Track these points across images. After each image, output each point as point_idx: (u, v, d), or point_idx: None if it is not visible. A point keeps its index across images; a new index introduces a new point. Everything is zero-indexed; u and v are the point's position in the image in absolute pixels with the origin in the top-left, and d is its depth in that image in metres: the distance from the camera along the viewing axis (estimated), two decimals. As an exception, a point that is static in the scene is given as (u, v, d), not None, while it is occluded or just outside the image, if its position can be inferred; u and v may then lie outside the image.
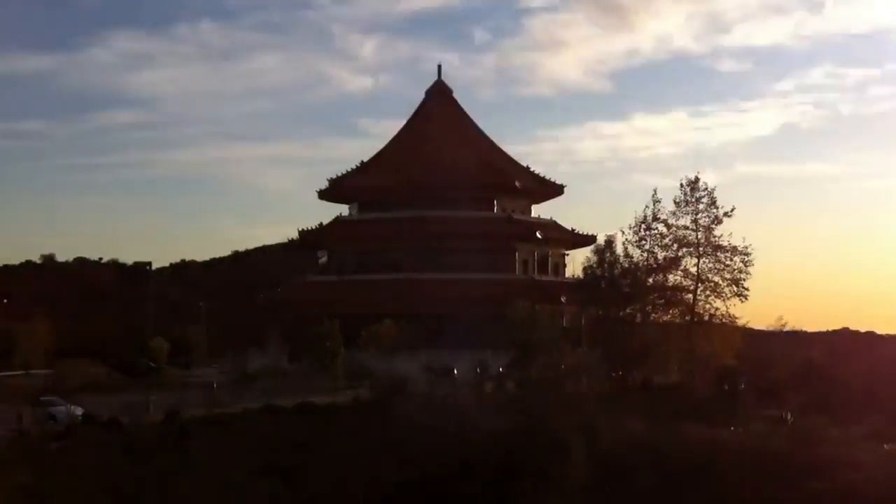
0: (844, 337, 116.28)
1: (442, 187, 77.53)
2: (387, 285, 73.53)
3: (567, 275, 79.20)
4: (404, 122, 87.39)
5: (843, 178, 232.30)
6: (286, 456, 38.11)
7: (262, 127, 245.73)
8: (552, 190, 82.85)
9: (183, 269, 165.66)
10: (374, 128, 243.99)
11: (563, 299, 69.32)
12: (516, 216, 79.12)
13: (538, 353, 51.43)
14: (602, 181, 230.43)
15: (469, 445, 33.49)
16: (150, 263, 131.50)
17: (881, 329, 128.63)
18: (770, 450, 46.36)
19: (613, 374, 58.69)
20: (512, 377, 53.75)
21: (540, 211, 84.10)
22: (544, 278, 76.50)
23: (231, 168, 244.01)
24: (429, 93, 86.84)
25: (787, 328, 74.72)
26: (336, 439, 35.65)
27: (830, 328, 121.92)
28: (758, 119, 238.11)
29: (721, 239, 66.38)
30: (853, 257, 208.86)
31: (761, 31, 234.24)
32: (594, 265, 62.86)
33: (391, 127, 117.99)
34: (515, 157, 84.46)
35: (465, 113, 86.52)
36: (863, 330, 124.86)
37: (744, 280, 65.94)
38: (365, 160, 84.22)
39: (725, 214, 66.64)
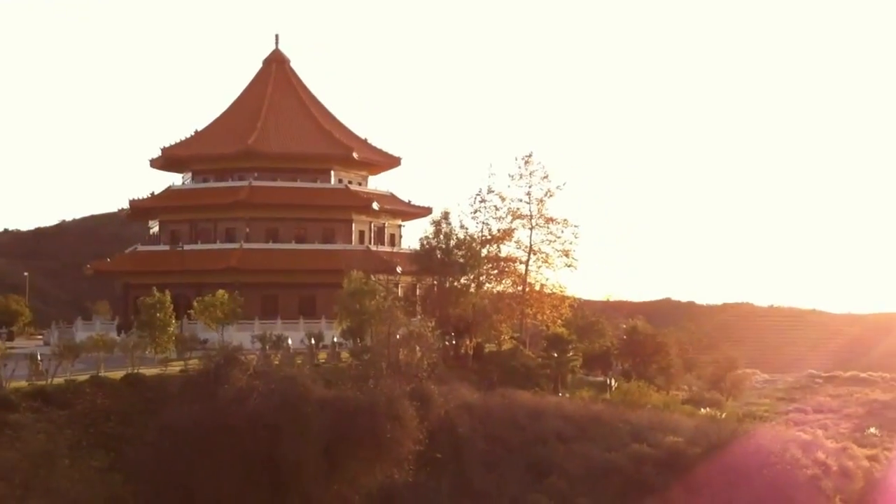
0: (666, 307, 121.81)
1: (278, 157, 76.57)
2: (220, 256, 72.16)
3: (403, 246, 79.71)
4: (240, 91, 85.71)
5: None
6: (113, 427, 37.21)
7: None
8: (390, 161, 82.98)
9: (7, 238, 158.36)
10: (210, 97, 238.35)
11: (398, 270, 69.83)
12: (353, 187, 78.95)
13: (373, 323, 51.69)
14: (440, 154, 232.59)
15: (301, 414, 33.45)
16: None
17: (700, 299, 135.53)
18: (594, 414, 48.31)
19: (447, 343, 59.67)
20: (346, 347, 53.90)
21: (377, 183, 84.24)
22: (381, 249, 76.62)
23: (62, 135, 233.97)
24: (266, 62, 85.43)
25: (612, 298, 77.98)
26: (164, 410, 35.01)
27: (653, 298, 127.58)
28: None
29: (552, 212, 68.47)
30: (677, 232, 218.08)
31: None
32: (430, 236, 63.64)
33: (227, 96, 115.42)
34: (353, 129, 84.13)
35: (302, 83, 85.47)
36: (683, 300, 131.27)
37: (573, 251, 68.30)
38: (199, 129, 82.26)
39: (557, 188, 68.76)
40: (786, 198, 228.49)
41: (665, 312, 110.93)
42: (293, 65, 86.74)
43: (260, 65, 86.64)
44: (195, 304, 58.37)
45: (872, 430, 55.64)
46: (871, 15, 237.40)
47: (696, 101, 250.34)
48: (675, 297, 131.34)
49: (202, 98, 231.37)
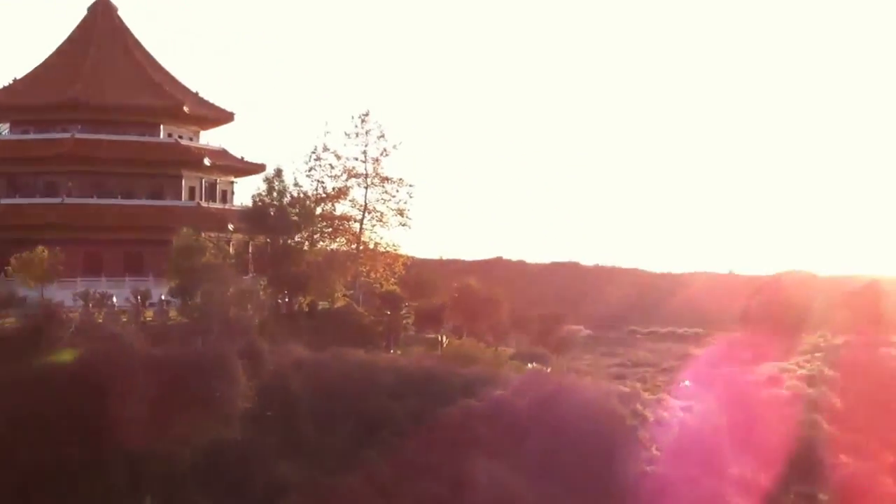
0: (498, 265, 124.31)
1: (103, 109, 73.66)
2: (41, 210, 69.20)
3: (236, 203, 78.39)
4: (64, 38, 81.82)
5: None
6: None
7: None
8: (222, 116, 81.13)
9: None
10: (30, 43, 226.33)
11: (230, 227, 68.74)
12: (184, 142, 76.91)
13: (203, 280, 50.81)
14: (275, 110, 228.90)
15: (126, 372, 32.78)
16: None
17: (530, 258, 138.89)
18: (426, 370, 49.17)
19: (280, 301, 59.36)
20: (175, 305, 52.91)
21: (209, 138, 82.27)
22: (212, 206, 75.08)
23: None
24: (91, 9, 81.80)
25: (445, 256, 79.13)
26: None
27: (485, 257, 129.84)
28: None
29: (388, 171, 68.84)
30: (509, 192, 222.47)
31: None
32: (263, 194, 62.88)
33: (49, 44, 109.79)
34: (184, 82, 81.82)
35: (131, 33, 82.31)
36: (514, 259, 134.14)
37: (408, 210, 68.95)
38: (18, 77, 78.34)
39: (393, 147, 69.13)
40: (606, 159, 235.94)
41: (496, 271, 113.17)
42: (121, 13, 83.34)
43: (85, 11, 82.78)
44: (12, 260, 55.97)
45: (686, 382, 58.57)
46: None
47: (515, 54, 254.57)
48: (506, 256, 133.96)
49: (22, 45, 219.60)
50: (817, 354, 67.39)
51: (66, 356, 34.78)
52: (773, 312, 76.12)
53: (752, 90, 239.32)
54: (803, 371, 61.68)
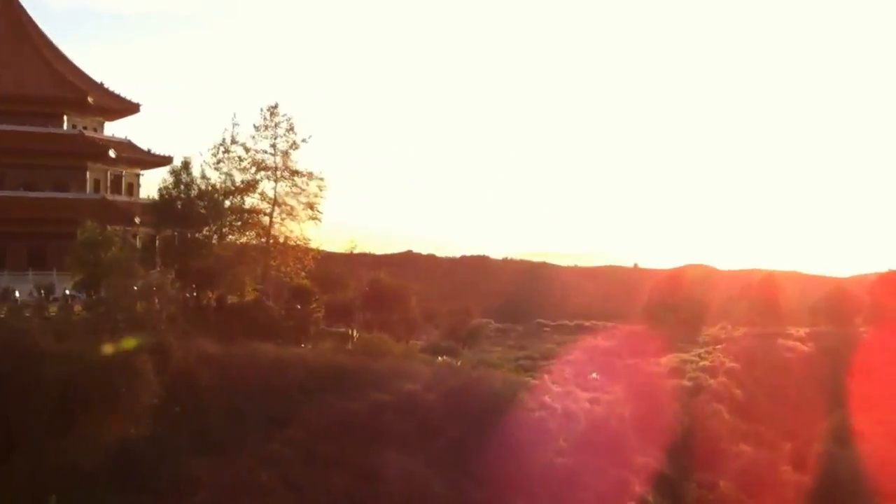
0: (408, 259, 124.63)
1: (4, 99, 71.71)
2: (-62, 203, 67.17)
3: (142, 195, 77.06)
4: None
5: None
6: None
7: None
8: (128, 108, 79.56)
9: None
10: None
11: (136, 220, 67.57)
12: (88, 133, 75.24)
13: (108, 275, 49.89)
14: (182, 102, 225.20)
15: (30, 368, 32.13)
16: None
17: (440, 252, 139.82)
18: (336, 365, 49.17)
19: (188, 295, 58.60)
20: (80, 299, 51.86)
21: (114, 129, 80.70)
22: (118, 198, 73.65)
23: None
24: (-11, -4, 79.37)
25: (356, 250, 79.03)
26: None
27: (396, 251, 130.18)
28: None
29: (298, 164, 68.39)
30: (420, 187, 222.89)
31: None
32: (170, 186, 61.93)
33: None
34: (89, 73, 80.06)
35: (32, 21, 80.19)
36: (424, 253, 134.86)
37: (318, 204, 68.60)
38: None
39: (303, 140, 68.67)
40: (515, 150, 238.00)
41: (407, 264, 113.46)
42: (22, 1, 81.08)
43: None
44: None
45: (594, 374, 59.64)
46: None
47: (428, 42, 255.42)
48: (416, 250, 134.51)
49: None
50: (718, 346, 69.35)
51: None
52: (675, 305, 78.05)
53: (658, 90, 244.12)
54: (705, 362, 63.42)
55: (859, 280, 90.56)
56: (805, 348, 64.21)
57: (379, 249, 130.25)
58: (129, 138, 79.27)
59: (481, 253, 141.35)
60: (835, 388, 52.17)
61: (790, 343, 65.83)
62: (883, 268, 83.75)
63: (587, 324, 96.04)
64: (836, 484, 44.91)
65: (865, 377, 51.95)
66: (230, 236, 66.78)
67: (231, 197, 66.75)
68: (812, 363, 58.28)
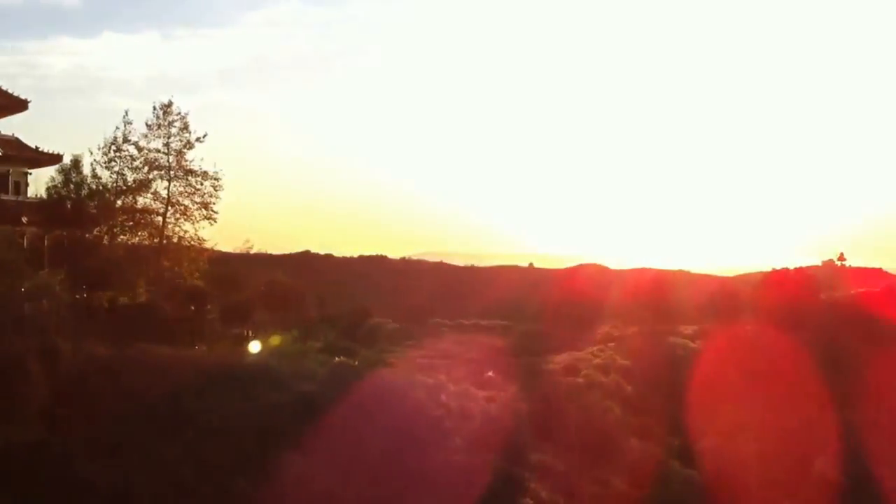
0: (306, 259, 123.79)
1: None
2: None
3: (30, 194, 75.10)
4: None
5: (296, 110, 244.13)
6: None
7: None
8: (14, 105, 77.19)
9: None
10: None
11: (24, 220, 65.85)
12: (-28, 130, 72.98)
13: (-6, 275, 48.62)
14: (70, 99, 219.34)
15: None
16: None
17: (338, 252, 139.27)
18: (231, 366, 48.75)
19: (78, 297, 57.35)
20: (-36, 302, 50.27)
21: (0, 126, 78.36)
22: (4, 197, 71.62)
23: None
24: None
25: (253, 251, 78.42)
26: None
27: (294, 251, 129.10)
28: (228, 47, 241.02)
29: (192, 163, 67.57)
30: (316, 186, 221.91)
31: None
32: (59, 185, 60.58)
33: None
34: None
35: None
36: (322, 253, 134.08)
37: (213, 204, 67.89)
38: None
39: (197, 139, 67.88)
40: (405, 151, 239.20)
41: (304, 264, 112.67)
42: None
43: None
44: None
45: (490, 373, 60.30)
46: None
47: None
48: (314, 250, 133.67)
49: None
50: (610, 344, 70.88)
51: None
52: (570, 304, 79.52)
53: (553, 87, 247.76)
54: (598, 360, 64.77)
55: (745, 279, 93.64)
56: (693, 345, 66.15)
57: (276, 249, 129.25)
58: (15, 135, 77.14)
59: (379, 252, 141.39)
60: (720, 384, 53.87)
61: (679, 340, 67.73)
62: (766, 266, 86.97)
63: (484, 323, 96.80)
64: (722, 477, 46.46)
65: (749, 373, 53.85)
66: (122, 236, 65.75)
67: (123, 196, 65.71)
68: (699, 360, 60.01)
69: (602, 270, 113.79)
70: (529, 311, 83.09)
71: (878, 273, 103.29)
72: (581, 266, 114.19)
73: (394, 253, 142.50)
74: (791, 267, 79.02)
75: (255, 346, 58.95)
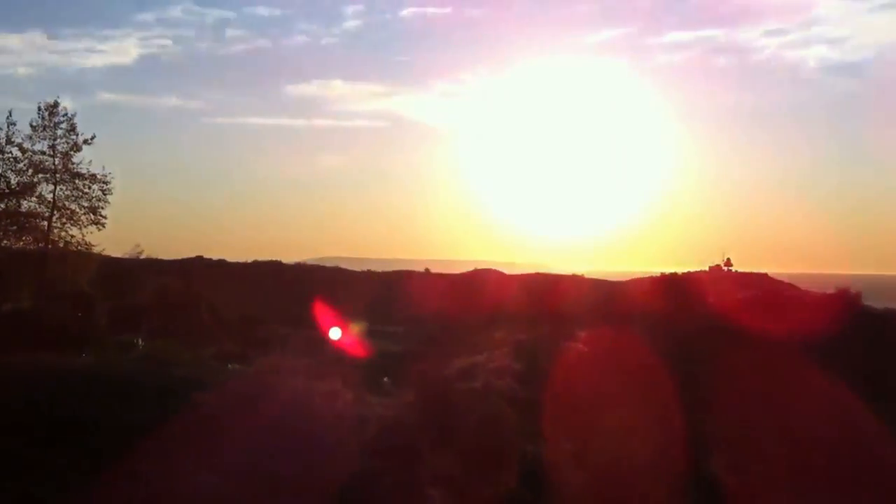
0: (198, 265, 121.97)
1: None
2: None
3: None
4: None
5: (197, 112, 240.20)
6: None
7: None
8: None
9: None
10: None
11: None
12: None
13: None
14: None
15: None
16: None
17: (231, 257, 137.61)
18: (120, 374, 47.64)
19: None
20: None
21: None
22: None
23: None
24: None
25: (143, 256, 76.90)
26: None
27: (185, 256, 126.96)
28: (118, 48, 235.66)
29: (80, 166, 65.86)
30: (232, 189, 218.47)
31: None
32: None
33: None
34: None
35: None
36: (215, 258, 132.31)
37: (101, 208, 66.23)
38: None
39: (85, 142, 66.13)
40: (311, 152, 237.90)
41: (197, 270, 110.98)
42: None
43: None
44: None
45: (385, 379, 60.35)
46: None
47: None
48: (207, 255, 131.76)
49: None
50: (505, 348, 71.64)
51: None
52: (466, 308, 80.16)
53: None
54: (493, 364, 65.34)
55: (636, 284, 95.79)
56: (584, 349, 67.27)
57: (168, 254, 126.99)
58: None
59: (274, 257, 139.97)
60: (609, 388, 54.91)
61: (570, 344, 68.80)
62: (656, 271, 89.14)
63: (380, 328, 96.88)
64: (616, 480, 47.34)
65: (637, 377, 55.03)
66: (4, 241, 63.80)
67: (5, 200, 63.76)
68: (589, 363, 61.05)
69: (498, 275, 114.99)
70: (426, 316, 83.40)
71: (762, 278, 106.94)
72: (477, 271, 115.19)
73: (288, 258, 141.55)
74: (680, 272, 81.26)
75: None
